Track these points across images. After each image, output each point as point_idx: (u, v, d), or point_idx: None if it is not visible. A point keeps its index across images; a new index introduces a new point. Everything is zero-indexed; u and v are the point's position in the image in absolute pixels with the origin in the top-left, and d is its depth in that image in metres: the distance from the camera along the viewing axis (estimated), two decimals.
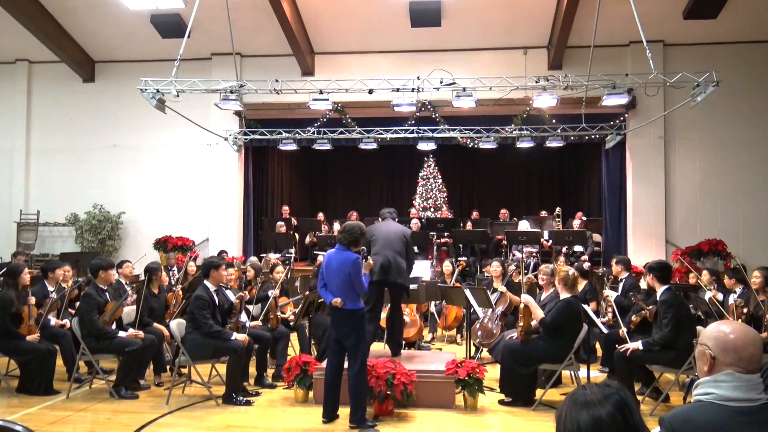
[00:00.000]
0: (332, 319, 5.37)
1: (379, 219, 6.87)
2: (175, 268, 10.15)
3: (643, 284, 7.19)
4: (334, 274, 5.23)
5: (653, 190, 12.57)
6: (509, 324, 7.51)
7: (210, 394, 5.96)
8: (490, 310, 7.46)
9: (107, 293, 6.43)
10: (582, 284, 7.60)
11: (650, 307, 5.94)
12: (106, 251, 13.29)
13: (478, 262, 11.86)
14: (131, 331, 6.36)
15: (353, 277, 5.13)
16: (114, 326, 6.36)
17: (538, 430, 5.25)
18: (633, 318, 6.26)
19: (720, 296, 7.20)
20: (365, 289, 5.30)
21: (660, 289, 5.70)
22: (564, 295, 5.78)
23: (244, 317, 6.55)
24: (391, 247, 6.13)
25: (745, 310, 6.17)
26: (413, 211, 14.04)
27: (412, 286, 6.72)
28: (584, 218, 13.02)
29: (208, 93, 10.16)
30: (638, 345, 5.55)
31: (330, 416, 5.28)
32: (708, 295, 6.96)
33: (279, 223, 12.93)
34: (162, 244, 12.93)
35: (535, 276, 8.09)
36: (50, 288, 6.97)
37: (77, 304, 6.71)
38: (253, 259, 10.62)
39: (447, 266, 9.59)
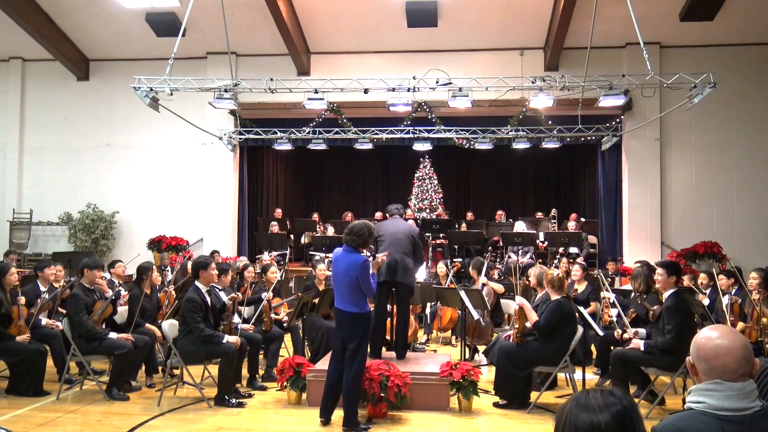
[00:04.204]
0: (337, 321, 5.25)
1: (387, 216, 6.79)
2: (169, 268, 10.08)
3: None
4: (341, 276, 5.13)
5: (649, 192, 12.56)
6: (496, 323, 7.60)
7: (202, 396, 5.89)
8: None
9: (96, 293, 6.35)
10: (583, 285, 7.60)
11: (654, 307, 5.86)
12: (99, 251, 13.21)
13: None
14: (122, 335, 6.26)
15: (361, 280, 5.03)
16: (104, 326, 6.29)
17: None
18: (624, 319, 6.23)
19: (706, 301, 7.20)
20: (374, 291, 5.23)
21: (667, 293, 5.56)
22: (554, 296, 5.76)
23: (236, 318, 6.48)
24: (398, 246, 6.06)
25: (745, 311, 6.19)
26: (409, 212, 14.00)
27: None
28: (582, 219, 13.00)
29: (202, 92, 10.09)
30: (640, 345, 5.51)
31: (328, 417, 5.21)
32: (706, 301, 6.97)
33: (272, 223, 12.90)
34: (156, 244, 12.85)
35: (527, 278, 8.14)
36: (42, 288, 6.90)
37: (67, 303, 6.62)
38: (243, 258, 10.57)
39: (441, 268, 9.56)
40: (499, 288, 7.93)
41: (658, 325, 5.61)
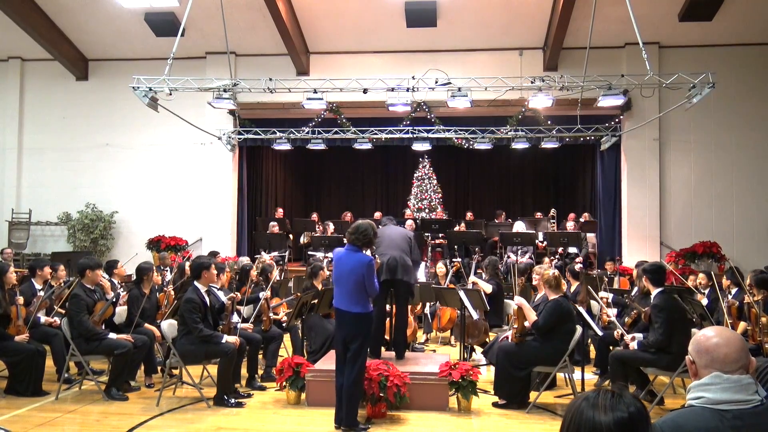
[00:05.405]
0: (339, 322, 5.20)
1: (380, 226, 6.85)
2: (168, 268, 10.07)
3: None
4: (345, 275, 5.10)
5: (648, 192, 12.57)
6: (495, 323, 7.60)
7: (201, 396, 5.89)
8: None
9: (96, 293, 6.35)
10: (575, 285, 7.60)
11: (645, 309, 5.90)
12: (98, 251, 13.20)
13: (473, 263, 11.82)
14: (122, 335, 6.25)
15: (366, 280, 5.02)
16: (103, 326, 6.28)
17: None
18: (626, 319, 6.27)
19: (705, 301, 7.21)
20: (377, 291, 5.23)
21: (654, 292, 5.66)
22: (551, 296, 5.77)
23: (235, 318, 6.48)
24: (396, 246, 6.14)
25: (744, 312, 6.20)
26: (408, 212, 14.01)
27: None
28: (581, 219, 13.00)
29: (201, 92, 10.09)
30: (634, 345, 5.56)
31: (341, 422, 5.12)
32: (704, 301, 6.97)
33: (272, 223, 12.89)
34: (155, 244, 12.85)
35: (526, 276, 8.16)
36: (38, 286, 6.89)
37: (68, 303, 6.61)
38: (244, 259, 10.54)
39: (440, 268, 9.57)
40: (487, 288, 7.93)
41: (652, 325, 5.66)
